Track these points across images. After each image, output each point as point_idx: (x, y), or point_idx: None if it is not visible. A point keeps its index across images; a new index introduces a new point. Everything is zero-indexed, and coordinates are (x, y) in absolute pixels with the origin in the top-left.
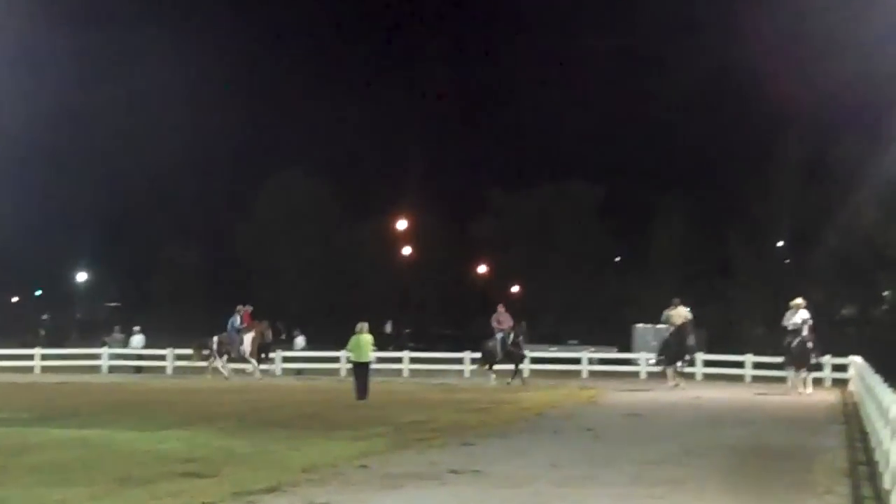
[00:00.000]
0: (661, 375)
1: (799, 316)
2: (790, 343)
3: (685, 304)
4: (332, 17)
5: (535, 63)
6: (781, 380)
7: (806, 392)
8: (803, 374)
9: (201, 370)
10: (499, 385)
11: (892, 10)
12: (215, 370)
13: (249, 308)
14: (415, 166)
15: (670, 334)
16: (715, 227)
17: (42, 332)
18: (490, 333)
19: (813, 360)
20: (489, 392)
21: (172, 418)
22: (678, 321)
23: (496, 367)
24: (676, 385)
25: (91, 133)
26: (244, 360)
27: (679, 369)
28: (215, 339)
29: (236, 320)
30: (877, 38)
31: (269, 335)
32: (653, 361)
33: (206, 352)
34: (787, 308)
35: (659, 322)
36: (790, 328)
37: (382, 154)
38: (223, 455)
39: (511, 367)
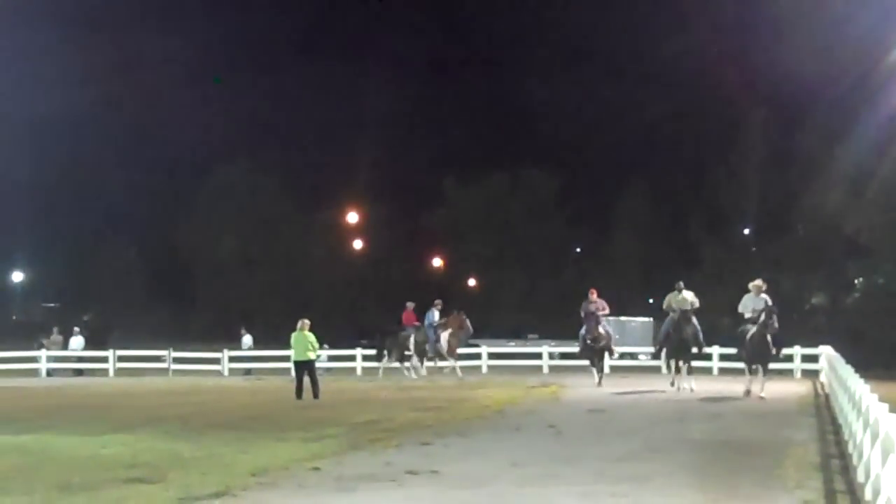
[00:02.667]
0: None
1: (758, 301)
2: (745, 333)
3: (688, 289)
4: (276, 8)
5: (487, 48)
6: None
7: (759, 395)
8: (760, 373)
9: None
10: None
11: None
12: (412, 369)
13: (412, 305)
14: (364, 157)
15: (671, 324)
16: (678, 216)
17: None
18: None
19: (773, 354)
20: (447, 390)
21: (115, 422)
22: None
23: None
24: (674, 385)
25: (22, 127)
26: (441, 358)
27: (681, 366)
28: (412, 337)
29: (434, 316)
30: (839, 19)
31: (469, 328)
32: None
33: (408, 352)
34: (745, 292)
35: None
36: (747, 316)
37: (331, 145)
38: (169, 459)
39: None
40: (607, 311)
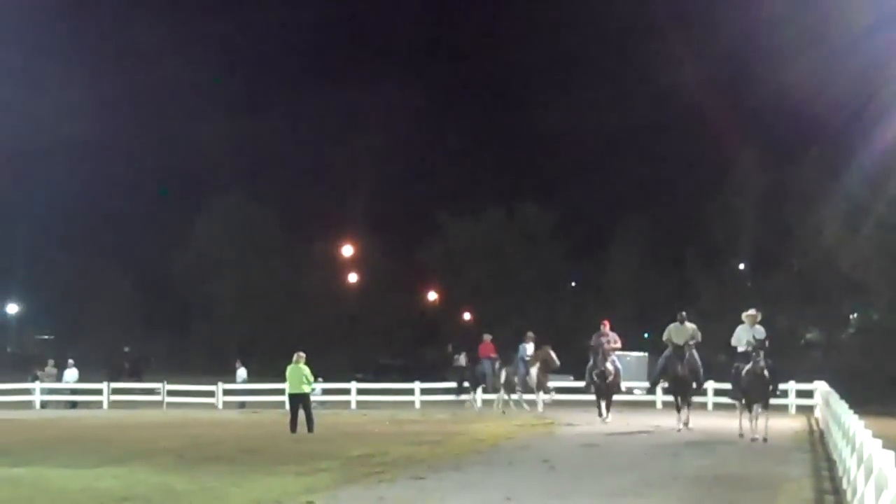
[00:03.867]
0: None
1: (752, 333)
2: (739, 369)
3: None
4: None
5: (485, 82)
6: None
7: (758, 437)
8: (756, 411)
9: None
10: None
11: (847, 27)
12: (509, 403)
13: (489, 337)
14: (360, 190)
15: (666, 357)
16: (673, 250)
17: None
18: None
19: (770, 391)
20: (441, 424)
21: (108, 455)
22: (680, 341)
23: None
24: (685, 425)
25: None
26: (528, 392)
27: (679, 403)
28: (503, 371)
29: (527, 350)
30: (835, 55)
31: (556, 362)
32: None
33: (483, 385)
34: (738, 322)
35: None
36: (741, 349)
37: (326, 178)
38: (161, 493)
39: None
40: (619, 345)
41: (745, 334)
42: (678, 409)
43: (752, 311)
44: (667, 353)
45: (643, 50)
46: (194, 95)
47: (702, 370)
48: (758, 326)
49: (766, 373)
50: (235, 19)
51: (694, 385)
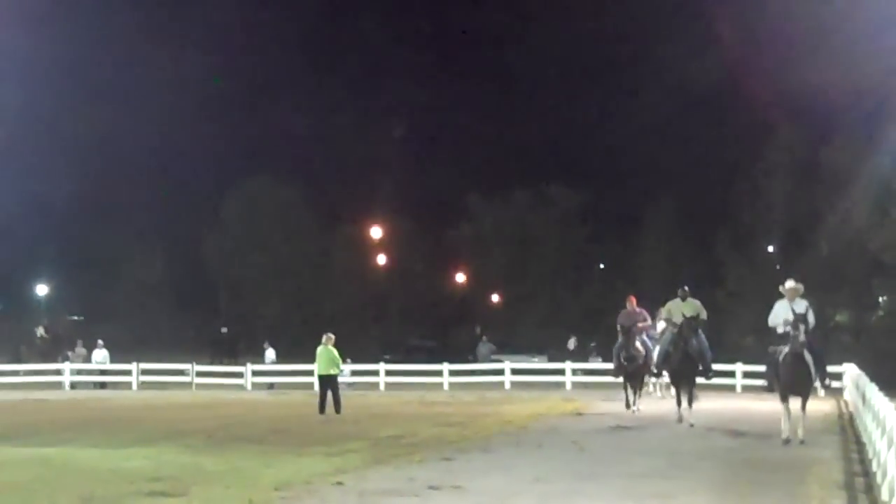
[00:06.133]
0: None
1: (794, 307)
2: (776, 354)
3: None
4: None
5: (513, 65)
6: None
7: (798, 438)
8: (796, 405)
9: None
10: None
11: (881, 8)
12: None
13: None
14: (388, 172)
15: (670, 341)
16: (702, 233)
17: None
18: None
19: (816, 385)
20: (469, 405)
21: (138, 435)
22: (681, 320)
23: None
24: (681, 421)
25: (48, 142)
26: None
27: (681, 394)
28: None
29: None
30: (866, 37)
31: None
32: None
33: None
34: (767, 305)
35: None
36: (780, 331)
37: (355, 160)
38: (192, 473)
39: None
40: (649, 322)
41: (785, 311)
42: (678, 401)
43: (791, 283)
44: (666, 334)
45: (676, 30)
46: (223, 77)
47: (710, 354)
48: (798, 301)
49: (807, 355)
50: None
51: (700, 369)
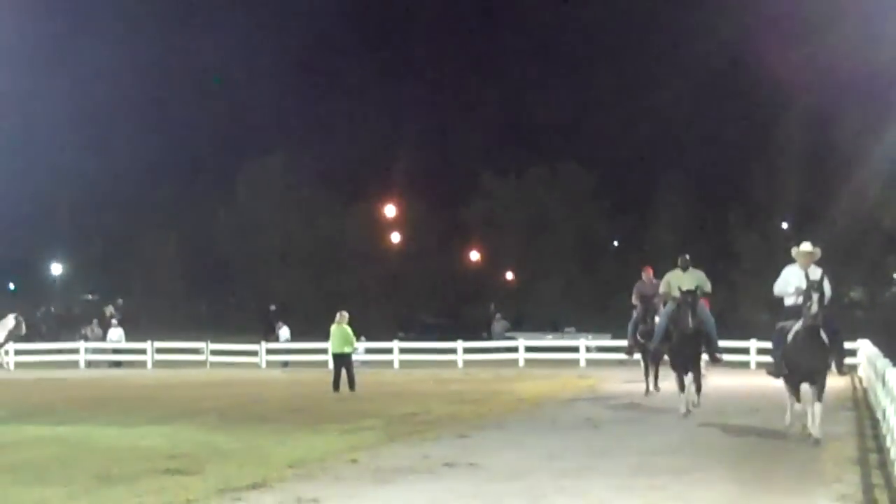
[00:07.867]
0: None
1: (807, 275)
2: (785, 331)
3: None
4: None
5: (527, 43)
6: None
7: (812, 434)
8: (812, 395)
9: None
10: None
11: None
12: None
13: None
14: (402, 150)
15: (670, 317)
16: (716, 210)
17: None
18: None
19: (833, 368)
20: (484, 383)
21: (153, 413)
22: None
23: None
24: (685, 410)
25: (62, 120)
26: None
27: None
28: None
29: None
30: (879, 15)
31: None
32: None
33: None
34: (788, 261)
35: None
36: (789, 302)
37: (368, 138)
38: (207, 451)
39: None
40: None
41: (798, 279)
42: (681, 386)
43: (806, 246)
44: (666, 309)
45: (689, 7)
46: (236, 58)
47: (714, 331)
48: (812, 269)
49: (822, 333)
50: None
51: (704, 347)
